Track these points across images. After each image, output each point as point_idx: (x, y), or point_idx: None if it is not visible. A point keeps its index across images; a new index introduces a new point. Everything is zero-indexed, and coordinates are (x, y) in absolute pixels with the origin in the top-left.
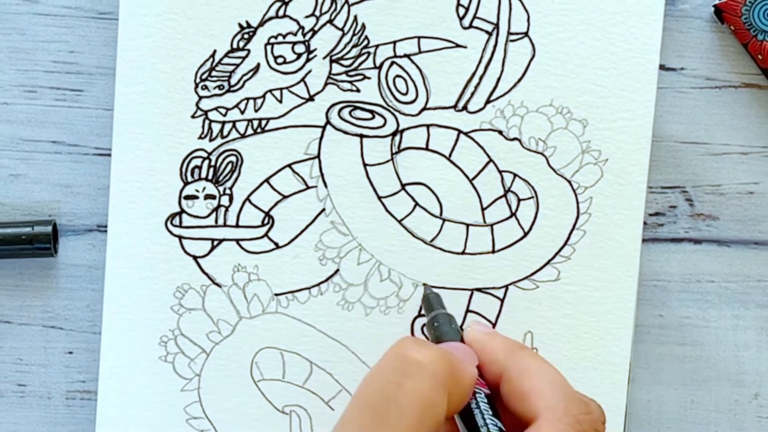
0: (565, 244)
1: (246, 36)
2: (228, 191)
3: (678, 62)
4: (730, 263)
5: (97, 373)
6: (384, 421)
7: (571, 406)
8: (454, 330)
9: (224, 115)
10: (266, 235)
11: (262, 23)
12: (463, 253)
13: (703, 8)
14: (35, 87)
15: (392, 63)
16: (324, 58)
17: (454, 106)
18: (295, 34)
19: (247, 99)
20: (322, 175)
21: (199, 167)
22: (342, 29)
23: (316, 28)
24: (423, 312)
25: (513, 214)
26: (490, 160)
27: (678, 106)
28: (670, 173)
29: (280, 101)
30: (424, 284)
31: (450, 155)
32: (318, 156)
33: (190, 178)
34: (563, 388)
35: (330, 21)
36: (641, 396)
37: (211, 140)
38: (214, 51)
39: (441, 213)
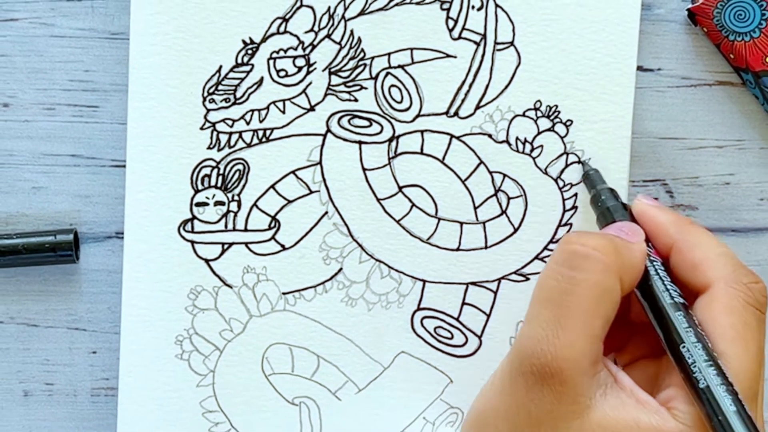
0: (553, 238)
1: (249, 51)
2: (236, 197)
3: (655, 63)
4: None
5: (119, 371)
6: (564, 312)
7: (742, 275)
8: (620, 205)
9: (231, 127)
10: (273, 237)
11: (264, 39)
12: (457, 249)
13: (677, 12)
14: (54, 104)
15: (387, 73)
16: (323, 70)
17: (446, 113)
18: (295, 49)
19: (252, 110)
20: (324, 180)
21: (209, 176)
22: (339, 43)
23: (315, 43)
24: (586, 188)
25: (503, 212)
26: (481, 162)
27: (656, 104)
28: (650, 167)
29: (283, 112)
30: (582, 161)
31: (443, 158)
32: (320, 162)
33: (200, 186)
34: (733, 259)
35: (328, 36)
36: None
37: (219, 150)
38: (220, 66)
39: (436, 212)
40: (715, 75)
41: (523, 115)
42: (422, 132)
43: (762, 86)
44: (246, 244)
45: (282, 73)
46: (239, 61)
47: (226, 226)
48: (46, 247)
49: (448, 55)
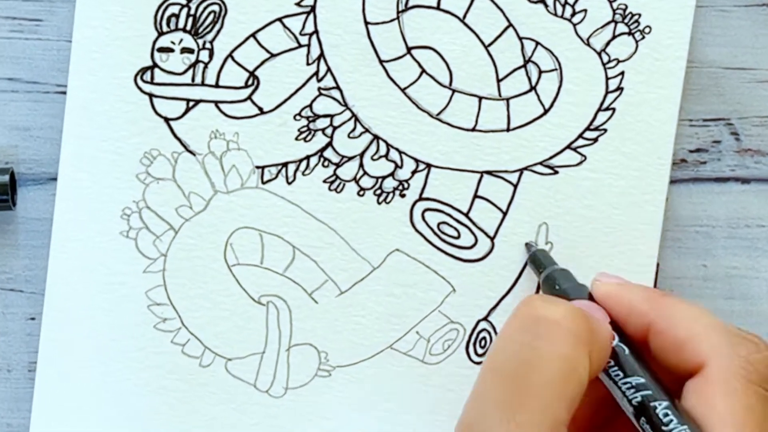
0: (591, 124)
1: None
2: (208, 45)
3: None
4: None
5: (49, 245)
6: (524, 389)
7: (738, 345)
8: (578, 286)
9: None
10: (249, 98)
11: None
12: (473, 129)
13: None
14: None
15: None
16: None
17: None
18: None
19: None
20: (316, 32)
21: (177, 15)
22: None
23: None
24: (533, 272)
25: (532, 88)
26: (510, 25)
27: (720, 26)
28: (712, 104)
29: None
30: (526, 243)
31: (464, 17)
32: (313, 10)
33: (165, 28)
34: (724, 330)
35: None
36: None
37: None
38: None
39: (451, 83)
40: None
41: None
42: None
43: None
44: (216, 102)
45: None
46: None
47: (193, 79)
48: None
49: None
